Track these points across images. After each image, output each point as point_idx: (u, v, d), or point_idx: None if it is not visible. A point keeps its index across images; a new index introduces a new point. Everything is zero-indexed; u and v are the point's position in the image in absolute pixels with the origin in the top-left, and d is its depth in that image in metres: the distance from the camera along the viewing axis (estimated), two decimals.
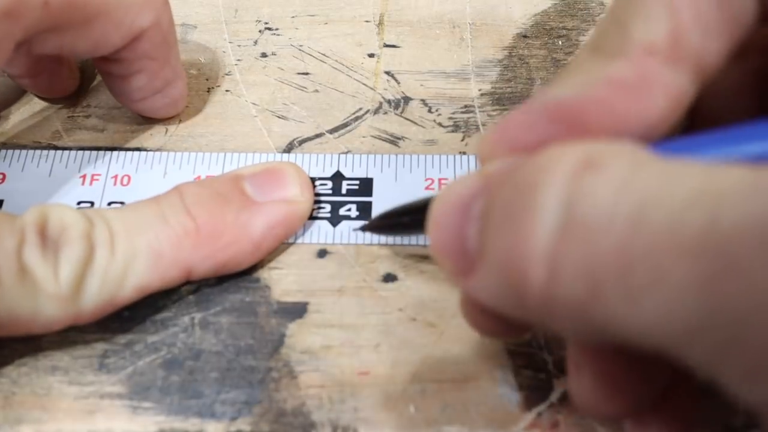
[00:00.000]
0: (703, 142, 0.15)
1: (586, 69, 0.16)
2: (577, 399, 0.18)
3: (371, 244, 0.26)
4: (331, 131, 0.29)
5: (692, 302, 0.12)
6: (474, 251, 0.16)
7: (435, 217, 0.17)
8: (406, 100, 0.30)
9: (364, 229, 0.25)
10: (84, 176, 0.27)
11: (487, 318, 0.19)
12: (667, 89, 0.16)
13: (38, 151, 0.28)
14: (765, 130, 0.15)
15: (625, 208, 0.13)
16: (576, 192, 0.14)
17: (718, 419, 0.21)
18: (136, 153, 0.28)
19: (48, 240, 0.22)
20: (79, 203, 0.27)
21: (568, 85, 0.16)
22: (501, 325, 0.19)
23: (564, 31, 0.32)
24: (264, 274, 0.25)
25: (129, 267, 0.22)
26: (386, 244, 0.26)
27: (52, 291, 0.21)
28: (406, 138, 0.29)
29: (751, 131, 0.15)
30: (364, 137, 0.29)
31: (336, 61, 0.31)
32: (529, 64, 0.31)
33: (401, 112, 0.30)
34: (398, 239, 0.26)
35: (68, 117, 0.30)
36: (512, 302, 0.15)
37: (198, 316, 0.24)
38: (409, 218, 0.23)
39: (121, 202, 0.27)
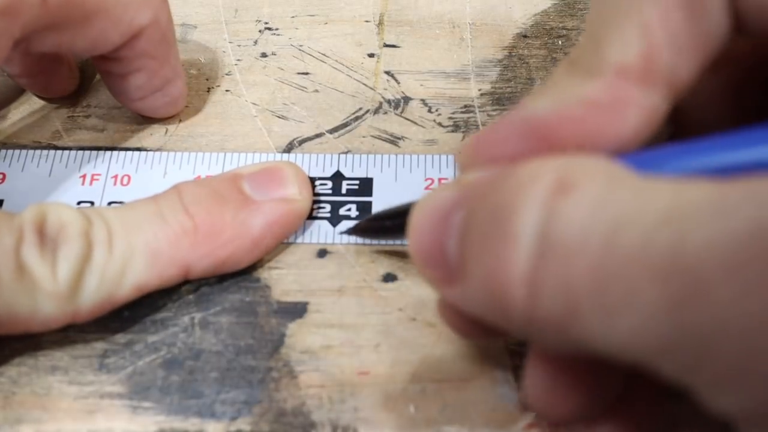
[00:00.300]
0: (677, 152, 0.16)
1: (562, 86, 0.17)
2: (531, 398, 0.18)
3: (371, 244, 0.26)
4: (331, 131, 0.29)
5: (662, 321, 0.13)
6: (454, 263, 0.17)
7: (415, 225, 0.18)
8: (406, 100, 0.30)
9: (349, 232, 0.26)
10: (84, 176, 0.27)
11: (466, 321, 0.19)
12: (640, 108, 0.16)
13: (38, 151, 0.28)
14: (736, 141, 0.15)
15: (598, 230, 0.14)
16: (551, 215, 0.14)
17: (675, 426, 0.21)
18: (136, 153, 0.28)
19: (46, 238, 0.22)
20: (79, 203, 0.27)
21: (545, 100, 0.17)
22: (479, 329, 0.19)
23: (564, 31, 0.32)
24: (264, 273, 0.25)
25: (127, 265, 0.22)
26: (385, 244, 0.26)
27: (51, 289, 0.21)
28: (406, 138, 0.29)
29: (724, 142, 0.15)
30: (364, 137, 0.29)
31: (336, 61, 0.31)
32: (529, 64, 0.31)
33: (401, 112, 0.30)
34: (391, 241, 0.26)
35: (68, 117, 0.30)
36: (495, 316, 0.16)
37: (198, 315, 0.24)
38: (391, 222, 0.24)
39: (121, 202, 0.27)
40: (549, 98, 0.17)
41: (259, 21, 0.33)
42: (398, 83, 0.31)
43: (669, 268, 0.13)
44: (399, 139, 0.29)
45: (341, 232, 0.26)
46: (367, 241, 0.26)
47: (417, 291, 0.25)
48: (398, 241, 0.26)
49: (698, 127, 0.20)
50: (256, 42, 0.32)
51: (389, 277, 0.25)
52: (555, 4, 0.33)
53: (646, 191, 0.14)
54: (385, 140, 0.29)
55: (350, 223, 0.26)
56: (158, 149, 0.28)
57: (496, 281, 0.15)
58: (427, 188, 0.27)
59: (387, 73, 0.31)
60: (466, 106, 0.30)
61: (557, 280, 0.14)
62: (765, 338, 0.12)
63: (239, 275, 0.25)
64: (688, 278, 0.13)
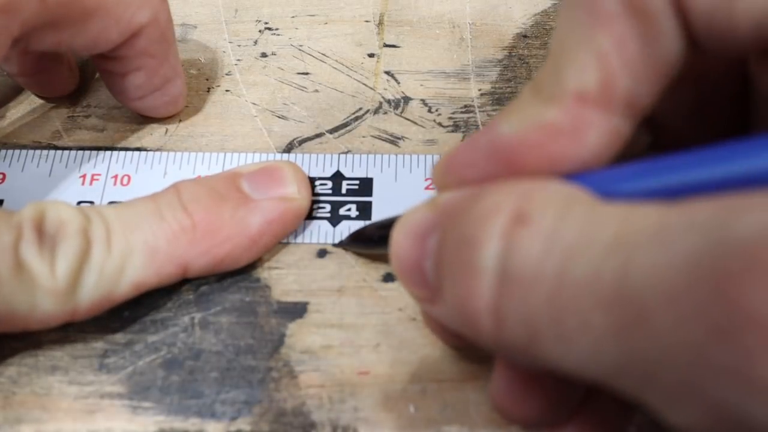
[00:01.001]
0: (635, 172, 0.16)
1: (525, 110, 0.17)
2: (497, 400, 0.19)
3: (365, 253, 0.26)
4: (331, 131, 0.29)
5: (611, 347, 0.14)
6: (433, 284, 0.18)
7: (395, 244, 0.19)
8: (406, 100, 0.30)
9: (339, 244, 0.26)
10: (84, 176, 0.27)
11: (449, 333, 0.20)
12: (600, 131, 0.17)
13: (38, 151, 0.28)
14: (691, 161, 0.16)
15: (552, 261, 0.15)
16: (509, 248, 0.15)
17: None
18: (136, 153, 0.28)
19: (45, 236, 0.22)
20: (79, 203, 0.27)
21: (509, 124, 0.17)
22: (463, 341, 0.20)
23: None
24: (264, 273, 0.25)
25: (125, 263, 0.22)
26: (378, 253, 0.26)
27: (49, 286, 0.21)
28: (406, 138, 0.29)
29: (679, 161, 0.16)
30: (364, 137, 0.29)
31: (336, 61, 0.31)
32: (529, 64, 0.31)
33: (401, 112, 0.30)
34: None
35: (68, 117, 0.30)
36: (469, 336, 0.17)
37: (198, 316, 0.24)
38: (378, 234, 0.24)
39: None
40: (512, 122, 0.17)
41: (259, 21, 0.33)
42: (398, 83, 0.31)
43: (615, 297, 0.14)
44: (399, 139, 0.29)
45: (334, 245, 0.26)
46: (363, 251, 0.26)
47: None
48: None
49: (674, 139, 0.20)
50: (256, 42, 0.32)
51: (389, 277, 0.25)
52: (555, 4, 0.33)
53: (597, 218, 0.15)
54: (385, 140, 0.29)
55: (351, 223, 0.26)
56: (158, 149, 0.28)
57: (466, 309, 0.16)
58: (427, 188, 0.27)
59: (387, 73, 0.31)
60: (466, 106, 0.30)
61: (518, 311, 0.15)
62: (704, 362, 0.13)
63: (239, 275, 0.25)
64: (631, 306, 0.13)
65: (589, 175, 0.17)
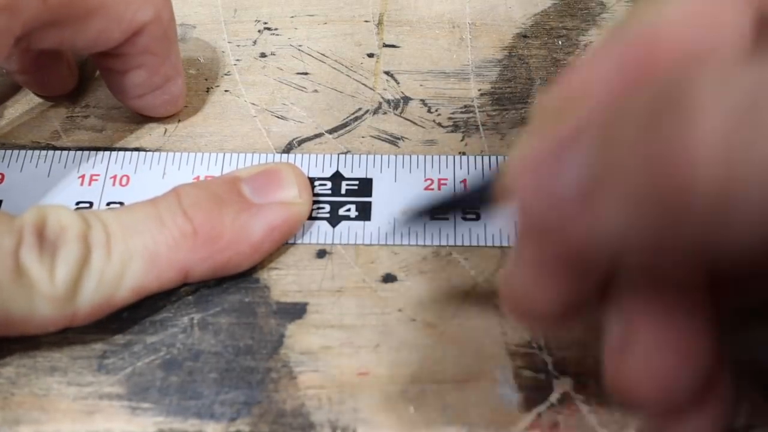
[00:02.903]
0: None
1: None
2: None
3: (371, 245, 0.26)
4: (331, 131, 0.29)
5: None
6: (579, 193, 0.15)
7: (522, 177, 0.16)
8: (406, 100, 0.30)
9: (403, 221, 0.25)
10: (83, 176, 0.27)
11: (534, 300, 0.18)
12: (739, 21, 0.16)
13: (37, 151, 0.28)
14: None
15: None
16: (759, 80, 0.13)
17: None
18: (135, 153, 0.28)
19: (46, 241, 0.22)
20: (77, 203, 0.27)
21: (648, 16, 0.16)
22: (545, 321, 0.18)
23: (564, 31, 0.32)
24: (263, 274, 0.25)
25: (125, 268, 0.22)
26: (385, 245, 0.26)
27: (48, 292, 0.21)
28: (406, 138, 0.29)
29: None
30: (363, 137, 0.29)
31: (335, 61, 0.31)
32: (529, 64, 0.31)
33: (401, 112, 0.30)
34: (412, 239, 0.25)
35: (67, 117, 0.30)
36: (658, 223, 0.14)
37: (197, 316, 0.24)
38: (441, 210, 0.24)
39: (120, 203, 0.27)
40: (650, 15, 0.16)
41: (258, 21, 0.33)
42: (398, 83, 0.31)
43: None
44: (398, 139, 0.29)
45: (405, 221, 0.25)
46: (376, 240, 0.25)
47: (417, 291, 0.25)
48: (406, 240, 0.26)
49: None
50: (255, 42, 0.32)
51: (389, 278, 0.25)
52: (555, 4, 0.33)
53: None
54: (384, 140, 0.29)
55: (350, 224, 0.26)
56: (157, 149, 0.28)
57: (671, 167, 0.13)
58: (426, 188, 0.27)
59: (386, 73, 0.31)
60: (465, 106, 0.30)
61: (759, 153, 0.12)
62: None
63: (238, 276, 0.25)
64: None
65: None
